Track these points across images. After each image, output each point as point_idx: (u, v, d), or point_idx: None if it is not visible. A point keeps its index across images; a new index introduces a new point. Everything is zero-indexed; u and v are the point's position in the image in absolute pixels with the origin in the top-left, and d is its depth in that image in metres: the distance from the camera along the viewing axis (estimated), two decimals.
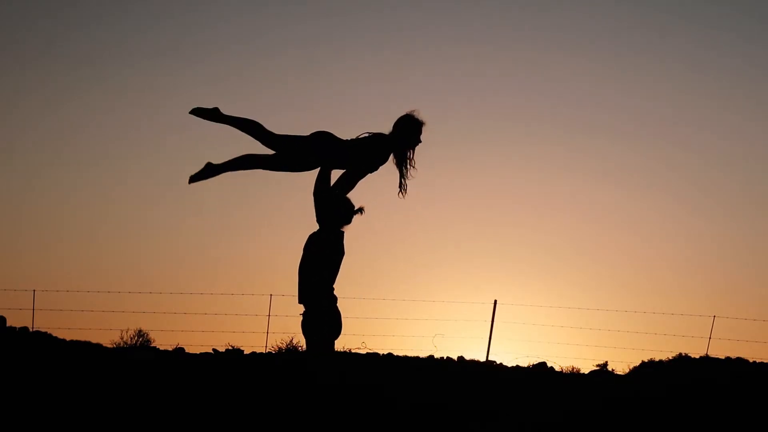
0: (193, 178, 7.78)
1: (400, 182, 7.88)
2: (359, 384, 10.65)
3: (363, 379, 11.70)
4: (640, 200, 28.84)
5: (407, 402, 10.15)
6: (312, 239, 7.69)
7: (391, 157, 7.90)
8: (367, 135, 7.84)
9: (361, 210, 7.78)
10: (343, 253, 7.71)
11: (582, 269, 26.41)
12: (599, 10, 28.08)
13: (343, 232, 7.71)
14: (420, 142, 7.87)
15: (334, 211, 7.71)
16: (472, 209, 27.72)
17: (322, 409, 7.54)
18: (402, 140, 7.83)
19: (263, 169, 7.84)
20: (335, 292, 7.65)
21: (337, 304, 7.63)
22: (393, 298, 19.73)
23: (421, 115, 7.88)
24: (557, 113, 28.55)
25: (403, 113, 7.90)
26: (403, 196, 7.91)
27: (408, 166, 7.88)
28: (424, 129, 7.87)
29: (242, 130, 7.83)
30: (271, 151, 7.81)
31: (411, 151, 7.88)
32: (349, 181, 7.87)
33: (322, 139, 7.77)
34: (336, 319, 7.60)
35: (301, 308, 7.69)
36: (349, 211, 7.72)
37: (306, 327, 7.58)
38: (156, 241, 27.22)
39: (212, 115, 7.79)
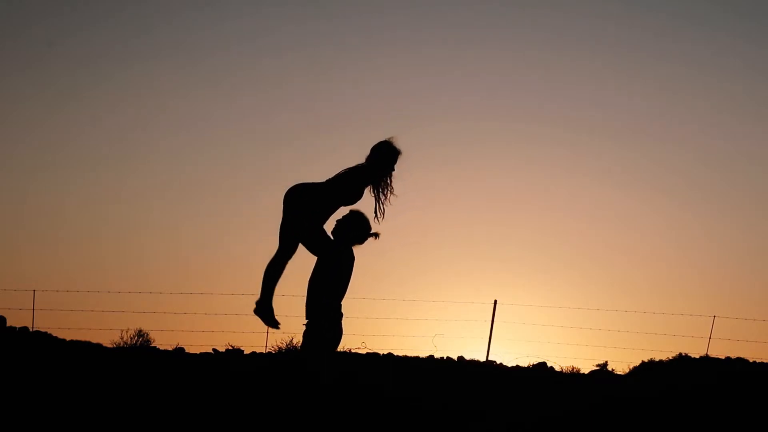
0: (270, 325, 7.93)
1: (376, 208, 7.95)
2: (359, 384, 10.66)
3: (363, 379, 11.70)
4: (640, 200, 28.84)
5: (407, 402, 10.15)
6: (323, 256, 7.72)
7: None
8: (344, 171, 7.91)
9: (376, 235, 7.81)
10: (351, 271, 7.76)
11: (582, 269, 26.42)
12: (599, 11, 28.05)
13: (352, 251, 7.75)
14: (393, 170, 7.92)
15: (351, 229, 7.74)
16: (472, 209, 27.72)
17: (322, 409, 7.54)
18: (377, 169, 7.89)
19: (288, 259, 7.92)
20: (340, 309, 7.74)
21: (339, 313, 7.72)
22: (393, 298, 19.72)
23: (398, 143, 7.96)
24: (557, 113, 28.55)
25: (382, 139, 7.98)
26: (379, 222, 7.97)
27: (385, 194, 7.95)
28: (399, 159, 7.95)
29: (277, 275, 7.93)
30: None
31: (387, 178, 7.94)
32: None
33: (299, 195, 7.81)
34: (338, 334, 7.70)
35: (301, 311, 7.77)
36: (364, 232, 7.76)
37: (308, 338, 7.64)
38: (156, 241, 27.22)
39: (264, 307, 7.92)
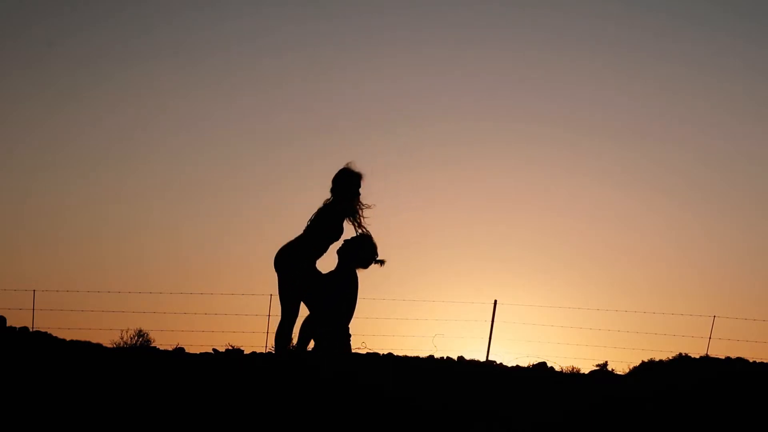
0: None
1: (356, 228, 8.06)
2: (359, 384, 10.65)
3: (363, 379, 11.69)
4: (640, 200, 28.87)
5: (407, 402, 10.14)
6: (329, 279, 7.78)
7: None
8: (316, 214, 8.02)
9: (382, 262, 7.89)
10: (356, 295, 7.83)
11: (582, 269, 26.44)
12: (599, 11, 28.06)
13: (356, 275, 7.80)
14: (359, 194, 8.02)
15: (359, 249, 7.80)
16: (472, 209, 27.74)
17: (322, 409, 7.56)
18: (344, 198, 7.98)
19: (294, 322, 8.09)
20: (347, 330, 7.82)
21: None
22: (393, 298, 19.73)
23: (356, 167, 8.05)
24: (557, 113, 28.56)
25: (342, 166, 8.10)
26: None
27: (360, 216, 8.06)
28: (362, 181, 8.06)
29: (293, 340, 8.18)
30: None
31: (357, 202, 8.05)
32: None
33: (288, 256, 7.93)
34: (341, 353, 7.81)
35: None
36: (371, 256, 7.82)
37: (320, 352, 7.73)
38: (156, 241, 27.24)
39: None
